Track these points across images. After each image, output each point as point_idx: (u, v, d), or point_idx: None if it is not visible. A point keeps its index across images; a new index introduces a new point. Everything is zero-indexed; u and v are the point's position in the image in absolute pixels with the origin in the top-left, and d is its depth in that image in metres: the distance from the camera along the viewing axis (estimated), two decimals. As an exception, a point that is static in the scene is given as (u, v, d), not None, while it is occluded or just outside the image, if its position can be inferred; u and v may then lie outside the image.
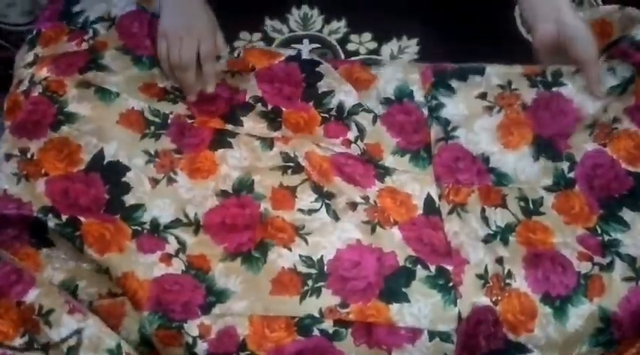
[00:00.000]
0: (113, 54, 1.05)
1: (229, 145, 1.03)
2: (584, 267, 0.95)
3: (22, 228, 0.96)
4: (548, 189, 1.01)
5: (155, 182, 0.99)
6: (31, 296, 0.88)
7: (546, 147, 1.02)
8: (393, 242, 0.97)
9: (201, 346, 0.89)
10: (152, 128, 1.02)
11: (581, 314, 0.92)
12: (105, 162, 0.98)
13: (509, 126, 1.03)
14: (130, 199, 0.97)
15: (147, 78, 1.04)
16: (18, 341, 0.86)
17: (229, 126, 1.04)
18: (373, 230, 0.98)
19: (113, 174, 0.98)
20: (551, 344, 0.91)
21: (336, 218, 0.98)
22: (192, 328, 0.90)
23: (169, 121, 1.03)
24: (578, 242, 0.97)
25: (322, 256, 0.95)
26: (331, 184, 1.01)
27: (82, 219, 0.94)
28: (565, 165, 1.01)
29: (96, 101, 1.00)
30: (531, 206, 1.00)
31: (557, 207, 1.00)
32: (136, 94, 1.03)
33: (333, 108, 1.05)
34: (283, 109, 1.06)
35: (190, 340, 0.90)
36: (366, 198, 1.00)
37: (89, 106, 1.00)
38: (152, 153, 1.00)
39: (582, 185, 1.01)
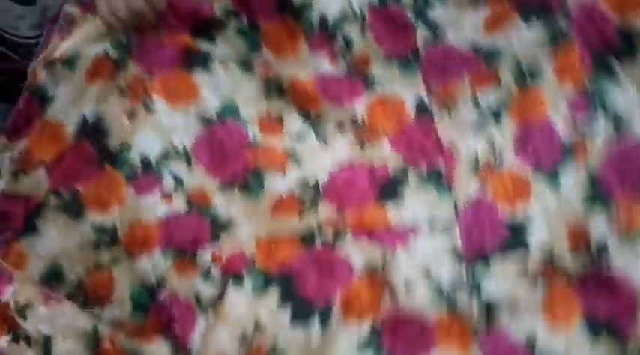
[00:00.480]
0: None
1: (205, 67, 1.01)
2: (568, 136, 0.92)
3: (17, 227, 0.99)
4: (545, 44, 0.94)
5: (132, 114, 1.00)
6: (7, 293, 0.92)
7: (537, 6, 0.95)
8: (384, 154, 0.98)
9: (215, 270, 0.97)
10: (118, 63, 1.00)
11: (572, 180, 0.91)
12: (89, 125, 0.99)
13: (497, 21, 0.97)
14: (112, 141, 0.99)
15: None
16: (5, 338, 0.90)
17: (203, 45, 1.01)
18: (362, 146, 0.99)
19: (97, 130, 1.00)
20: (550, 214, 0.90)
21: (326, 141, 1.00)
22: (204, 256, 0.98)
23: (133, 43, 1.00)
24: (568, 106, 0.93)
25: (317, 181, 0.99)
26: (318, 108, 1.00)
27: (79, 188, 0.98)
28: (560, 16, 0.94)
29: (63, 72, 0.99)
30: (528, 74, 0.95)
31: (556, 65, 0.93)
32: (96, 39, 1.00)
33: (315, 23, 1.00)
34: (261, 23, 1.00)
35: (205, 266, 0.97)
36: (354, 119, 1.00)
37: (59, 81, 0.99)
38: (124, 85, 1.00)
39: (577, 36, 0.93)
